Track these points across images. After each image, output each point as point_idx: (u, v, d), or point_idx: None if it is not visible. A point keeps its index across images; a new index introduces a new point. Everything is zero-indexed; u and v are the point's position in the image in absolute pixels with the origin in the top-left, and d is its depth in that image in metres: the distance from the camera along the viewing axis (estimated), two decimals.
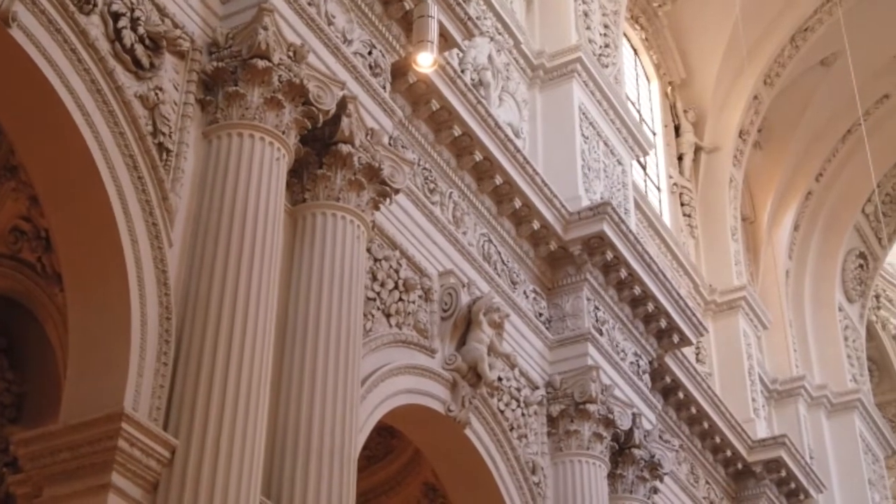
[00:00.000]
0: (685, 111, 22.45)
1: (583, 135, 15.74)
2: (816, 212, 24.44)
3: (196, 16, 9.68)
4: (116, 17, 8.80)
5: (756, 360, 21.24)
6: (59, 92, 8.25)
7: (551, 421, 13.68)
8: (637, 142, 17.24)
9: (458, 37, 12.28)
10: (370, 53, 11.18)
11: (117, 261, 8.36)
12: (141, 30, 8.97)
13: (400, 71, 11.83)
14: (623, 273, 14.80)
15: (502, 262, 13.72)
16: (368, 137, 10.52)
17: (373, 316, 11.11)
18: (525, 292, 14.05)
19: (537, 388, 13.67)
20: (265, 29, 9.56)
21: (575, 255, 14.41)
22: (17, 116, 8.50)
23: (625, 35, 20.10)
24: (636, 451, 14.40)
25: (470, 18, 12.37)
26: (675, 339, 15.92)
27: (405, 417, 11.76)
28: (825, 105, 23.29)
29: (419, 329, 11.77)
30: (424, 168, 12.71)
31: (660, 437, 15.25)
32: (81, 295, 8.49)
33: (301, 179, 10.25)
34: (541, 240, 14.26)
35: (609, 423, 13.89)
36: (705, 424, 18.01)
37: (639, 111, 20.96)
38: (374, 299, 11.20)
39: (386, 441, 14.27)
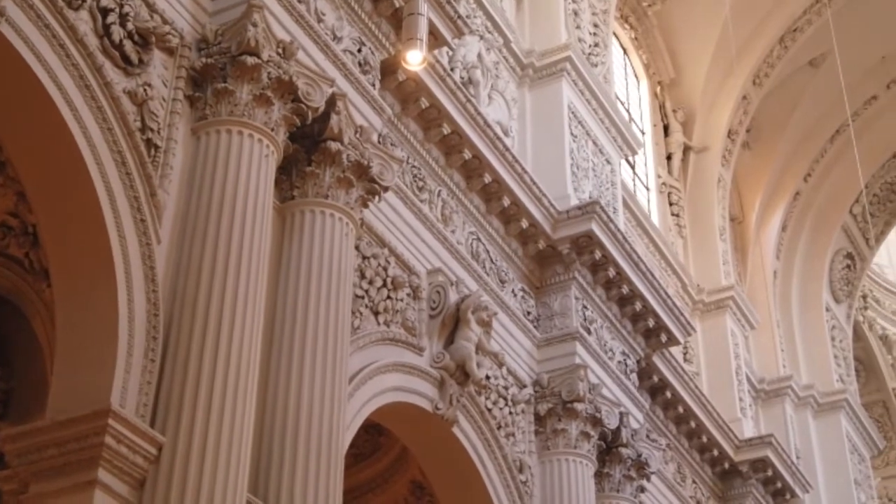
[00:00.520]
0: (674, 111, 22.48)
1: (572, 134, 15.76)
2: (804, 212, 24.49)
3: (185, 12, 9.67)
4: (105, 12, 8.78)
5: (743, 359, 21.29)
6: (47, 87, 8.22)
7: (539, 419, 13.69)
8: (626, 141, 17.26)
9: (447, 35, 12.28)
10: (360, 51, 11.18)
11: (105, 257, 8.34)
12: (130, 25, 8.95)
13: (389, 69, 11.83)
14: (611, 272, 14.82)
15: (491, 260, 13.73)
16: (357, 135, 10.51)
17: (361, 314, 11.10)
18: (513, 291, 14.06)
19: (525, 386, 13.67)
20: (254, 25, 9.54)
21: (563, 254, 14.43)
22: (5, 112, 8.45)
23: (614, 34, 20.11)
24: (623, 450, 14.42)
25: (460, 17, 12.37)
26: (663, 338, 15.95)
27: (393, 415, 11.76)
28: (814, 105, 23.35)
29: (407, 327, 11.77)
30: (413, 166, 12.70)
31: (647, 436, 15.28)
32: (69, 291, 8.47)
33: (290, 176, 10.23)
34: (529, 238, 14.27)
35: (596, 421, 13.91)
36: (692, 424, 18.05)
37: (628, 110, 20.98)
38: (363, 297, 11.19)
39: (373, 439, 14.27)
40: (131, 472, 7.88)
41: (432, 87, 12.58)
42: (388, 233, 11.89)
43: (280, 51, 9.77)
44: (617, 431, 14.30)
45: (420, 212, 12.56)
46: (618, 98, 19.41)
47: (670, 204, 21.96)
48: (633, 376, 15.38)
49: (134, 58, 8.94)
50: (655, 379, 16.86)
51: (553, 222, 14.39)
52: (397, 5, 11.40)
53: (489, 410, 12.81)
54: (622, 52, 21.76)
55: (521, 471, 13.08)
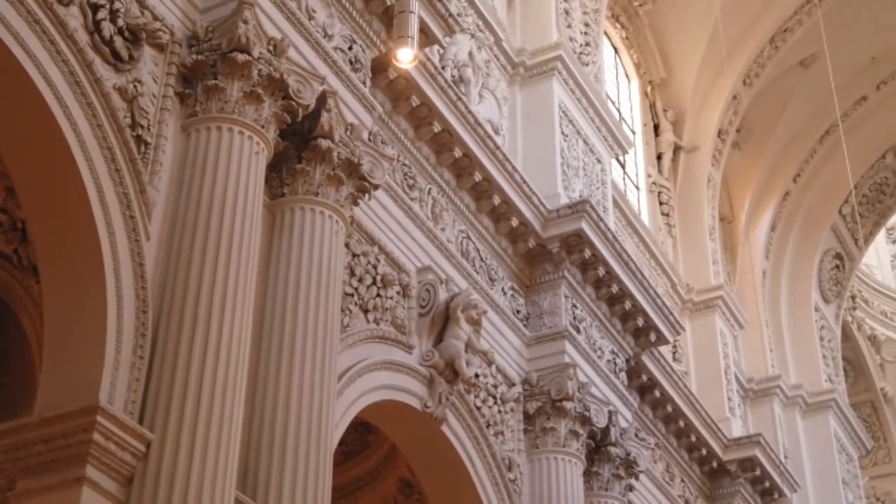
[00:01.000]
0: (665, 110, 22.51)
1: (562, 133, 15.77)
2: (794, 212, 24.54)
3: (176, 8, 9.65)
4: (95, 8, 8.76)
5: (732, 359, 21.33)
6: (37, 83, 8.20)
7: (528, 418, 13.70)
8: (616, 140, 17.27)
9: (438, 33, 12.29)
10: (350, 48, 11.17)
11: (94, 253, 8.32)
12: (120, 22, 8.93)
13: (380, 66, 11.83)
14: (601, 271, 14.83)
15: (480, 258, 13.73)
16: (348, 132, 10.51)
17: (350, 311, 11.10)
18: (503, 289, 14.06)
19: (514, 384, 13.68)
20: (245, 22, 9.53)
21: (553, 253, 14.44)
22: None
23: (605, 34, 20.13)
24: (612, 449, 14.44)
25: (451, 15, 12.37)
26: (652, 337, 15.97)
27: (382, 413, 11.76)
28: (804, 106, 23.39)
29: (397, 325, 11.77)
30: (404, 164, 12.70)
31: (636, 435, 15.30)
32: (57, 287, 8.45)
33: (280, 174, 10.22)
34: (519, 237, 14.27)
35: (585, 420, 13.93)
36: (681, 423, 18.08)
37: (618, 110, 20.99)
38: (352, 295, 11.19)
39: (362, 437, 14.27)
40: (119, 468, 7.87)
41: (423, 86, 12.57)
42: (378, 230, 11.89)
43: (271, 48, 9.76)
44: (606, 430, 14.32)
45: (410, 210, 12.56)
46: (608, 97, 19.42)
47: (660, 203, 21.99)
48: (623, 375, 15.40)
49: (124, 54, 8.93)
50: (644, 378, 16.89)
51: (543, 221, 14.40)
52: (388, 3, 11.39)
53: (478, 409, 12.82)
54: (613, 51, 21.78)
55: (510, 469, 13.09)
